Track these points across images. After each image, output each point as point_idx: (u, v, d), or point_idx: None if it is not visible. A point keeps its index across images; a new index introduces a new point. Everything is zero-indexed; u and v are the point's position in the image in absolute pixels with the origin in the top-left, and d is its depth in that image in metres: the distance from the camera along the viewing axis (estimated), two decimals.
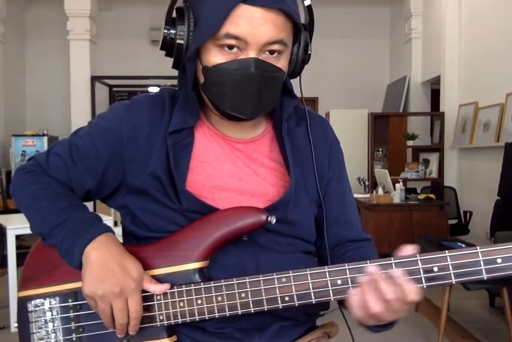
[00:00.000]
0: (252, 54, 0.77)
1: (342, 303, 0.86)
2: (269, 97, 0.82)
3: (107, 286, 0.74)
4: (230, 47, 0.77)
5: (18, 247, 3.12)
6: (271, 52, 0.79)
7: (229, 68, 0.77)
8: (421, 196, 4.44)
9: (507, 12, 4.31)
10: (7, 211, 4.70)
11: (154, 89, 6.78)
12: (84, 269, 0.77)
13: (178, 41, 0.80)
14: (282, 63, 0.81)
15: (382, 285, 0.67)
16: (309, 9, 0.86)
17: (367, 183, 5.10)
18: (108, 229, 0.82)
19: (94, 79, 6.50)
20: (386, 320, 0.71)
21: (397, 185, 4.34)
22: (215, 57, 0.78)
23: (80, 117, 6.29)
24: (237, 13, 0.75)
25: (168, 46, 0.81)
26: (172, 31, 0.80)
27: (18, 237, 3.43)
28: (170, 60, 0.86)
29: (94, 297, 0.75)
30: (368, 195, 4.61)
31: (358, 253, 0.90)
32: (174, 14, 0.82)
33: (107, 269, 0.75)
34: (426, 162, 5.53)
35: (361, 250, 0.92)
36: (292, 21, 0.79)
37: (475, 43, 4.91)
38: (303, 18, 0.85)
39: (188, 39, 0.79)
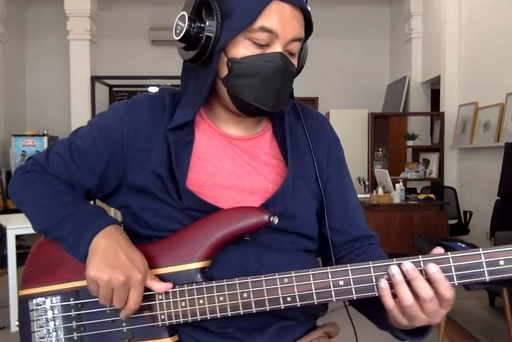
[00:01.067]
0: (278, 48, 0.80)
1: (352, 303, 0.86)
2: (287, 92, 0.86)
3: (114, 273, 0.73)
4: (260, 40, 0.79)
5: (18, 247, 3.12)
6: (290, 50, 0.82)
7: (260, 60, 0.79)
8: (421, 196, 4.44)
9: (507, 12, 4.31)
10: (7, 211, 4.70)
11: (154, 89, 6.76)
12: (90, 255, 0.77)
13: (207, 33, 0.80)
14: (295, 61, 0.85)
15: (416, 282, 0.66)
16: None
17: (367, 183, 5.09)
18: (115, 221, 0.82)
19: (94, 79, 6.50)
20: (421, 322, 0.69)
21: (397, 185, 4.34)
22: (243, 49, 0.80)
23: (80, 117, 6.29)
24: (271, 7, 0.78)
25: (191, 39, 0.80)
26: (198, 24, 0.80)
27: (18, 237, 3.43)
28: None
29: (98, 281, 0.74)
30: (368, 195, 4.61)
31: (366, 253, 0.89)
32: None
33: (115, 257, 0.75)
34: (426, 162, 5.53)
35: (369, 250, 0.91)
36: (305, 21, 0.83)
37: (475, 43, 4.91)
38: None
39: (217, 32, 0.80)
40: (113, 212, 4.29)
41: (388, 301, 0.69)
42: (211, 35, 0.80)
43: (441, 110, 5.45)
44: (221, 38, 0.80)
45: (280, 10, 0.78)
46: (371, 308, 0.80)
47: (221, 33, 0.80)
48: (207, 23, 0.80)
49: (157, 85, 6.62)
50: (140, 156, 0.85)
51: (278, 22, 0.78)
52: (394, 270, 0.67)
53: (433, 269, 0.66)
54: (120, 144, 0.86)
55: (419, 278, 0.66)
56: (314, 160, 0.90)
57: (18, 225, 3.02)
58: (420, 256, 0.69)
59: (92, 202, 0.91)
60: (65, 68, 6.63)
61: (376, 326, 0.85)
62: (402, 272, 0.67)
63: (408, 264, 0.67)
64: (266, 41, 0.79)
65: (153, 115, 0.87)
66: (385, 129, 5.93)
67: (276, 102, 0.83)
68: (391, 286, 0.68)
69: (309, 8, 0.87)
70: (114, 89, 7.26)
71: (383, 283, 0.68)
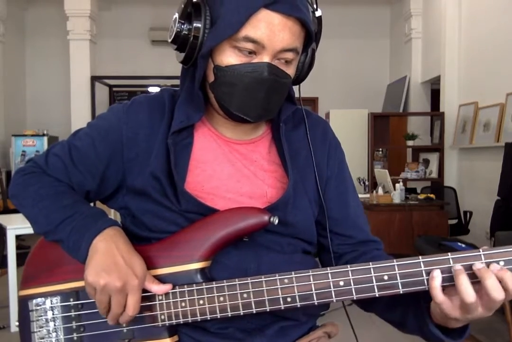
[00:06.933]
0: (266, 58, 0.78)
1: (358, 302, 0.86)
2: (276, 103, 0.83)
3: (111, 278, 0.73)
4: (246, 50, 0.77)
5: (18, 247, 3.12)
6: (283, 59, 0.80)
7: (243, 70, 0.78)
8: (421, 196, 4.44)
9: (507, 12, 4.31)
10: (7, 211, 4.70)
11: (154, 89, 6.79)
12: (89, 258, 0.76)
13: (193, 37, 0.79)
14: (291, 70, 0.83)
15: (489, 282, 0.63)
16: (318, 20, 0.86)
17: (367, 183, 5.09)
18: (115, 223, 0.82)
19: (94, 79, 6.50)
20: (473, 317, 0.67)
21: (397, 185, 4.34)
22: (229, 57, 0.78)
23: (80, 117, 6.29)
24: (258, 17, 0.75)
25: (180, 41, 0.81)
26: (187, 26, 0.79)
27: (18, 237, 3.43)
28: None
29: (95, 286, 0.74)
30: (368, 195, 4.61)
31: (374, 258, 0.86)
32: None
33: (113, 262, 0.75)
34: (426, 162, 5.53)
35: (379, 255, 0.89)
36: (306, 30, 0.80)
37: (475, 43, 4.91)
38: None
39: (203, 37, 0.79)
40: (113, 213, 4.29)
41: (439, 295, 0.66)
42: (196, 40, 0.79)
43: (441, 110, 5.45)
44: (205, 44, 0.79)
45: (269, 20, 0.75)
46: (400, 310, 0.80)
47: (206, 39, 0.79)
48: (195, 26, 0.79)
49: (157, 85, 6.63)
50: (139, 158, 0.85)
51: (264, 33, 0.75)
52: (458, 266, 0.66)
53: (497, 267, 0.64)
54: (120, 146, 0.86)
55: (491, 278, 0.64)
56: (314, 165, 0.90)
57: (18, 225, 3.02)
58: (420, 257, 0.69)
59: (92, 203, 0.91)
60: (65, 68, 6.63)
61: (401, 329, 0.83)
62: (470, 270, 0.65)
63: (479, 264, 0.65)
64: (252, 49, 0.77)
65: (152, 117, 0.87)
66: (385, 129, 5.92)
67: (261, 113, 0.82)
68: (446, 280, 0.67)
69: (318, 14, 0.85)
70: (114, 89, 7.27)
71: (436, 273, 0.66)
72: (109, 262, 0.75)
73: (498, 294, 0.63)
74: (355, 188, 0.98)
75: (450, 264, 0.67)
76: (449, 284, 0.67)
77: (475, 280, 0.65)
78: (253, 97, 0.79)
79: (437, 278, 0.66)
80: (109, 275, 0.73)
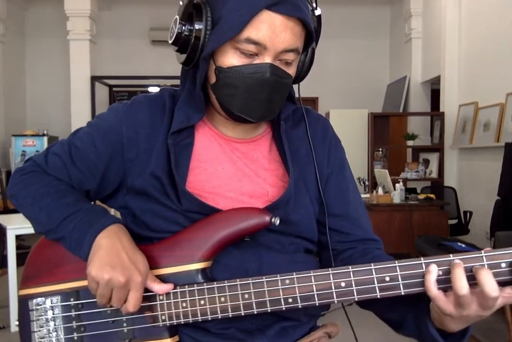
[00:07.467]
0: (268, 59, 0.78)
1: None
2: (278, 103, 0.84)
3: (115, 273, 0.73)
4: (247, 51, 0.77)
5: (18, 247, 3.12)
6: (285, 60, 0.80)
7: (245, 71, 0.78)
8: (421, 196, 4.43)
9: (507, 12, 4.30)
10: (7, 211, 4.70)
11: (154, 89, 6.78)
12: (92, 253, 0.76)
13: (194, 38, 0.79)
14: (292, 70, 0.83)
15: (484, 278, 0.63)
16: (318, 18, 0.86)
17: (367, 183, 5.09)
18: (118, 220, 0.82)
19: (94, 79, 6.50)
20: (469, 314, 0.66)
21: (397, 185, 4.33)
22: (231, 59, 0.78)
23: (80, 117, 6.29)
24: (260, 18, 0.75)
25: (181, 42, 0.80)
26: (188, 27, 0.79)
27: (18, 237, 3.42)
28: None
29: (99, 280, 0.74)
30: (368, 195, 4.60)
31: (375, 258, 0.86)
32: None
33: (117, 257, 0.75)
34: (426, 162, 5.53)
35: (378, 255, 0.88)
36: (306, 30, 0.80)
37: (475, 43, 4.91)
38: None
39: (205, 38, 0.79)
40: (113, 213, 4.29)
41: (433, 288, 0.66)
42: (198, 41, 0.79)
43: (441, 110, 5.44)
44: (207, 46, 0.79)
45: (270, 21, 0.75)
46: (399, 310, 0.79)
47: (208, 40, 0.79)
48: (196, 27, 0.79)
49: (157, 85, 6.62)
50: (139, 158, 0.85)
51: (266, 34, 0.75)
52: (457, 260, 0.66)
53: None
54: (120, 146, 0.86)
55: (488, 274, 0.63)
56: (315, 163, 0.90)
57: (18, 225, 3.02)
58: (422, 258, 0.69)
59: (92, 202, 0.91)
60: (65, 68, 6.63)
61: (399, 330, 0.82)
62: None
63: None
64: (254, 52, 0.77)
65: (152, 117, 0.87)
66: (385, 129, 5.92)
67: (263, 113, 0.82)
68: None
69: (317, 13, 0.85)
70: (114, 89, 7.26)
71: (432, 267, 0.67)
72: (113, 257, 0.75)
73: (491, 289, 0.63)
74: (356, 186, 0.98)
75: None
76: (446, 286, 0.67)
77: (473, 281, 0.65)
78: (255, 98, 0.79)
79: (432, 273, 0.67)
80: (113, 269, 0.73)
